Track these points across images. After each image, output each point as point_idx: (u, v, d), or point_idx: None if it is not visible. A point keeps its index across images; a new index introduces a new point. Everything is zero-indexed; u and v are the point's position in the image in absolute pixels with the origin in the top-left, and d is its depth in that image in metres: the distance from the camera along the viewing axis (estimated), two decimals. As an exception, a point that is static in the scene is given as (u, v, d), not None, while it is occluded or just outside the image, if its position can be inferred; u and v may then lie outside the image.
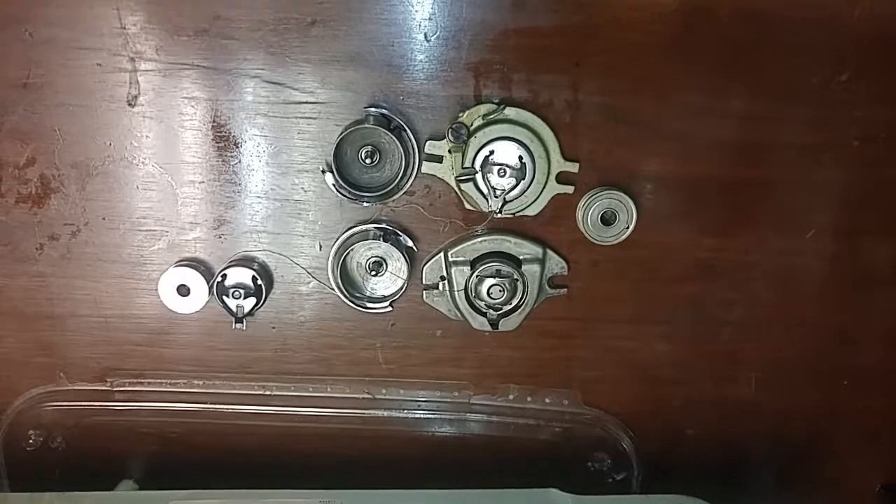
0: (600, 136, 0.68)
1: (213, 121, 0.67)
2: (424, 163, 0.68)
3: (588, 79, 0.66)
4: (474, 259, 0.70)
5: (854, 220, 0.72)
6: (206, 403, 0.76)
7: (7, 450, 0.76)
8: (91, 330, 0.73)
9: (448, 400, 0.77)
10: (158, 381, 0.75)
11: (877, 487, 0.81)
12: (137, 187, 0.69)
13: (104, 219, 0.70)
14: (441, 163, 0.68)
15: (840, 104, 0.68)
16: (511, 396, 0.77)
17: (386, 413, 0.77)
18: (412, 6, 0.64)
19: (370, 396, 0.77)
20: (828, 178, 0.71)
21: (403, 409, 0.77)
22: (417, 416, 0.77)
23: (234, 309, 0.70)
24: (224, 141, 0.68)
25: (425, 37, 0.65)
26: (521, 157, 0.67)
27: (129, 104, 0.66)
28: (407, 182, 0.68)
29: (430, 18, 0.65)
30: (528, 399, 0.77)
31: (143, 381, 0.75)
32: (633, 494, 0.78)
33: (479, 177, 0.68)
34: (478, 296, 0.71)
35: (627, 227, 0.69)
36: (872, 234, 0.73)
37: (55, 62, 0.65)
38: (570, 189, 0.69)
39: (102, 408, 0.75)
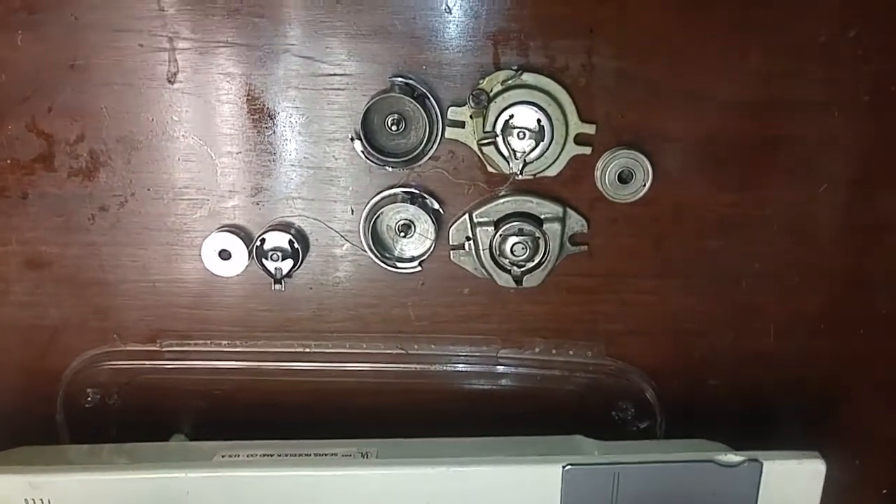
0: (616, 98, 0.69)
1: (248, 94, 0.69)
2: (447, 128, 0.69)
3: (602, 43, 0.67)
4: (498, 219, 0.72)
5: (866, 172, 0.73)
6: (248, 362, 0.78)
7: (67, 407, 0.78)
8: (140, 294, 0.75)
9: (477, 354, 0.78)
10: (204, 341, 0.77)
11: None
12: (179, 159, 0.71)
13: (149, 189, 0.72)
14: (463, 128, 0.69)
15: (849, 60, 0.69)
16: (537, 349, 0.78)
17: (418, 367, 0.78)
18: (433, -20, 0.66)
19: (403, 352, 0.78)
20: (839, 132, 0.71)
21: (434, 363, 0.78)
22: (448, 369, 0.78)
23: (272, 271, 0.72)
24: (258, 113, 0.70)
25: (447, 8, 0.67)
26: (539, 121, 0.68)
27: (170, 81, 0.68)
28: (431, 147, 0.69)
29: None
30: (554, 352, 0.78)
31: (189, 341, 0.77)
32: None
33: (499, 140, 0.69)
34: (502, 254, 0.72)
35: (644, 185, 0.71)
36: (884, 186, 0.73)
37: (99, 44, 0.67)
38: (587, 150, 0.70)
39: (153, 367, 0.78)
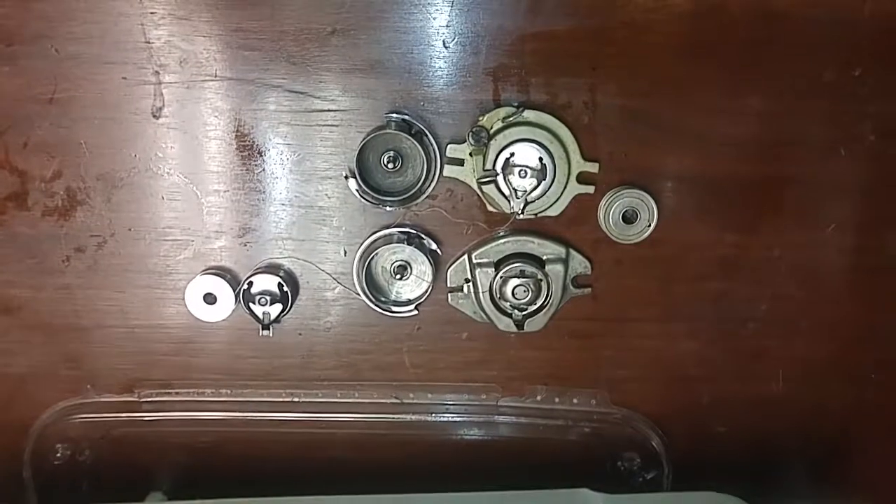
0: (619, 137, 0.68)
1: (237, 130, 0.68)
2: (446, 166, 0.68)
3: (605, 81, 0.67)
4: (498, 260, 0.71)
5: (874, 213, 0.72)
6: (234, 412, 0.75)
7: (34, 464, 0.76)
8: (118, 341, 0.73)
9: (476, 402, 0.76)
10: (186, 390, 0.75)
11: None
12: (163, 198, 0.69)
13: (130, 230, 0.70)
14: (462, 166, 0.68)
15: (854, 99, 0.68)
16: (539, 398, 0.76)
17: (414, 417, 0.76)
18: (430, 14, 0.65)
19: (398, 401, 0.76)
20: (845, 172, 0.70)
21: (431, 413, 0.77)
22: (445, 419, 0.77)
23: (260, 316, 0.70)
24: (248, 150, 0.68)
25: (444, 44, 0.66)
26: (541, 159, 0.67)
27: (154, 116, 0.67)
28: (429, 186, 0.68)
29: (447, 25, 0.65)
30: (556, 400, 0.76)
31: (170, 391, 0.75)
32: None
33: (500, 179, 0.68)
34: (503, 297, 0.71)
35: (649, 226, 0.69)
36: (893, 227, 0.73)
37: (81, 76, 0.65)
38: (590, 189, 0.69)
39: (130, 419, 0.75)
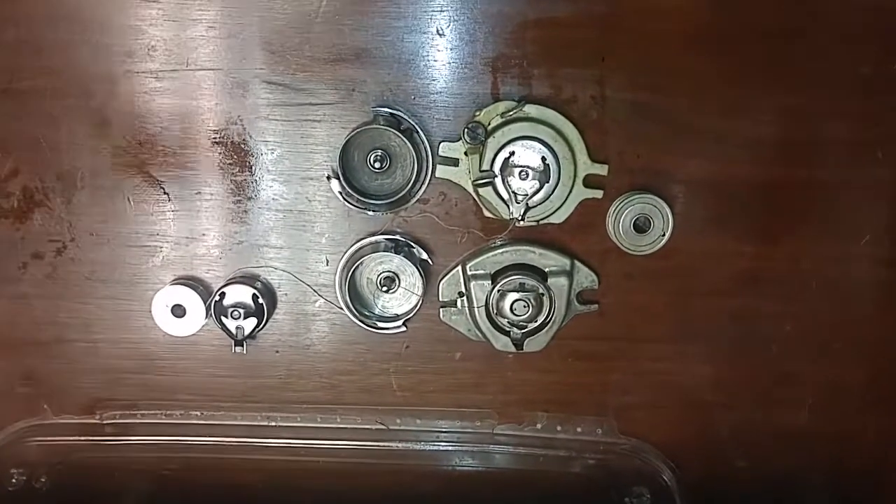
0: (629, 136, 0.66)
1: (209, 125, 0.65)
2: (439, 167, 0.66)
3: (614, 73, 0.65)
4: (495, 272, 0.68)
5: None
6: (204, 436, 0.73)
7: None
8: (78, 356, 0.71)
9: (469, 430, 0.74)
10: (153, 412, 0.73)
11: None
12: (129, 199, 0.67)
13: (92, 234, 0.68)
14: (457, 166, 0.66)
15: (893, 95, 0.65)
16: (539, 425, 0.74)
17: (401, 445, 0.74)
18: (423, -3, 0.64)
19: (383, 427, 0.74)
20: (882, 177, 0.67)
21: (420, 441, 0.74)
22: (436, 448, 0.74)
23: (233, 330, 0.68)
24: (222, 147, 0.66)
25: (438, 31, 0.64)
26: (544, 159, 0.65)
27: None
28: (420, 189, 0.66)
29: (442, 10, 0.63)
30: (558, 428, 0.74)
31: (135, 412, 0.73)
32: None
33: (498, 181, 0.65)
34: (500, 312, 0.68)
35: (663, 235, 0.66)
36: (936, 239, 0.70)
37: (38, 63, 0.63)
38: (598, 193, 0.66)
39: (91, 442, 0.73)
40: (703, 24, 0.64)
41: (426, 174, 0.66)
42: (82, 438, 0.73)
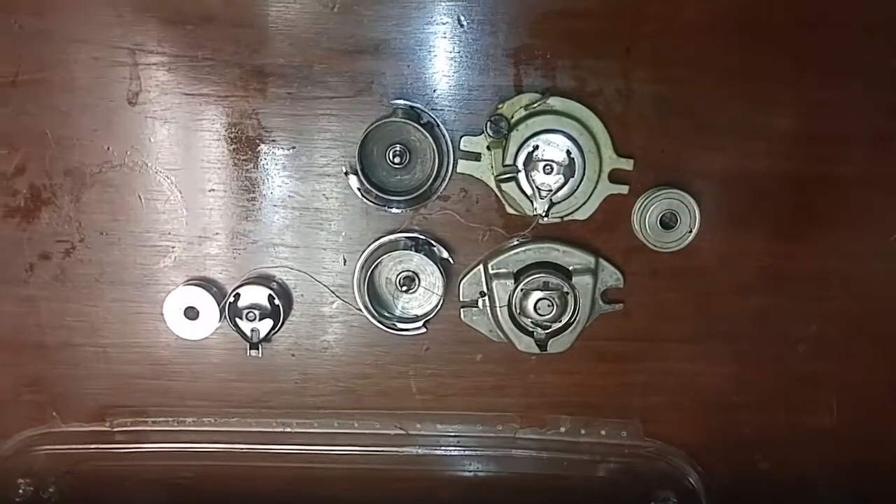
0: (655, 129, 0.65)
1: (224, 120, 0.64)
2: (460, 161, 0.65)
3: (640, 65, 0.64)
4: (518, 271, 0.67)
5: None
6: (218, 443, 0.73)
7: None
8: (87, 361, 0.70)
9: (491, 434, 0.73)
10: (164, 418, 0.72)
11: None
12: (140, 197, 0.66)
13: (102, 234, 0.67)
14: (479, 161, 0.65)
15: None
16: (562, 429, 0.73)
17: (420, 450, 0.73)
18: (443, -13, 0.63)
19: (403, 432, 0.73)
20: None
21: (440, 446, 0.73)
22: (456, 453, 0.74)
23: (248, 333, 0.67)
24: (236, 143, 0.65)
25: (458, 21, 0.63)
26: (568, 152, 0.64)
27: (130, 102, 0.64)
28: (440, 185, 0.66)
29: (462, 0, 0.62)
30: (582, 431, 0.73)
31: (146, 419, 0.72)
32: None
33: (521, 176, 0.64)
34: (523, 312, 0.67)
35: (690, 231, 0.66)
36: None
37: (46, 57, 0.62)
38: (624, 189, 0.66)
39: (101, 451, 0.72)
40: (730, 15, 0.63)
41: (447, 169, 0.65)
42: (91, 447, 0.72)
